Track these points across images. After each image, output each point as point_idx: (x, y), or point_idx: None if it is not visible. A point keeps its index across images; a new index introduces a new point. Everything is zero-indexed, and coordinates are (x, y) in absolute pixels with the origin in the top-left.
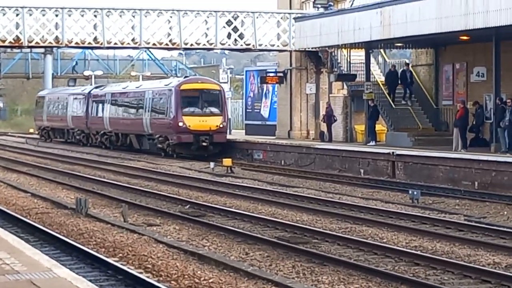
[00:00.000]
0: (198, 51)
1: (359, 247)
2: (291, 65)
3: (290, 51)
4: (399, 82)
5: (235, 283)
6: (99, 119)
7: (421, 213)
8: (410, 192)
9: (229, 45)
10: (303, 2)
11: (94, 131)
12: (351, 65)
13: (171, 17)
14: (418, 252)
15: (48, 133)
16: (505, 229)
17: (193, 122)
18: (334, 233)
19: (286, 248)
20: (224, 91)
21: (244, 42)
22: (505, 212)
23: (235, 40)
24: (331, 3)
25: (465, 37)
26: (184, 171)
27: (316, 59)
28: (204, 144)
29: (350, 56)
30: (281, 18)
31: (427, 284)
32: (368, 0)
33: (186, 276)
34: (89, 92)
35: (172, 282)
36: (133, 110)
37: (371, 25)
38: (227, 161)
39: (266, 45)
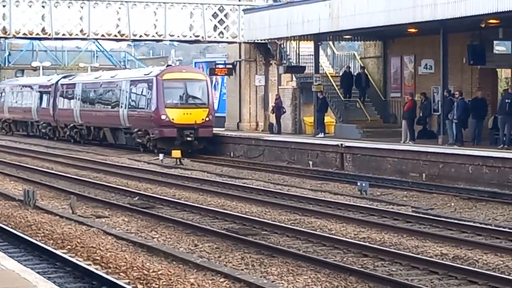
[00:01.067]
0: (147, 42)
1: (308, 239)
2: (240, 57)
3: (239, 43)
4: (354, 85)
5: (184, 274)
6: (68, 111)
7: (369, 205)
8: (358, 183)
9: (178, 36)
10: None
11: (62, 124)
12: (300, 57)
13: (120, 8)
14: (367, 244)
15: (10, 125)
16: (452, 221)
17: (177, 115)
18: (283, 224)
19: (235, 240)
20: (210, 81)
21: (193, 34)
22: (452, 204)
23: (184, 31)
24: None
25: (413, 30)
26: (133, 163)
27: (265, 51)
28: (189, 139)
29: (299, 48)
30: (230, 10)
31: (375, 275)
32: None
33: (135, 268)
34: (57, 82)
35: (121, 274)
36: (107, 102)
37: (320, 17)
38: (176, 153)
39: (215, 37)
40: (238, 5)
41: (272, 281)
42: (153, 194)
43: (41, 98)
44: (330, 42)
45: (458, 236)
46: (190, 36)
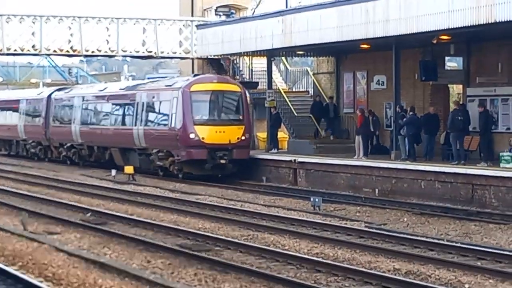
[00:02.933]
0: (99, 58)
1: (261, 255)
2: (193, 72)
3: (192, 59)
4: (322, 115)
5: None
6: (64, 128)
7: (323, 220)
8: (311, 199)
9: (130, 52)
10: (205, 9)
11: (56, 143)
12: (253, 72)
13: (72, 23)
14: (320, 259)
15: None
16: (404, 236)
17: (208, 133)
18: (236, 240)
19: (188, 256)
20: (246, 93)
21: (146, 49)
22: (405, 219)
23: (137, 47)
24: (233, 11)
25: (365, 46)
26: (86, 179)
27: (218, 67)
28: (222, 161)
29: (252, 63)
30: (183, 25)
31: None
32: (270, 8)
33: (87, 285)
34: (49, 96)
35: None
36: (117, 118)
37: (272, 33)
38: (128, 169)
39: (168, 52)
40: (191, 21)
41: None
42: (105, 210)
43: (29, 114)
44: (283, 58)
45: (410, 251)
46: (143, 52)
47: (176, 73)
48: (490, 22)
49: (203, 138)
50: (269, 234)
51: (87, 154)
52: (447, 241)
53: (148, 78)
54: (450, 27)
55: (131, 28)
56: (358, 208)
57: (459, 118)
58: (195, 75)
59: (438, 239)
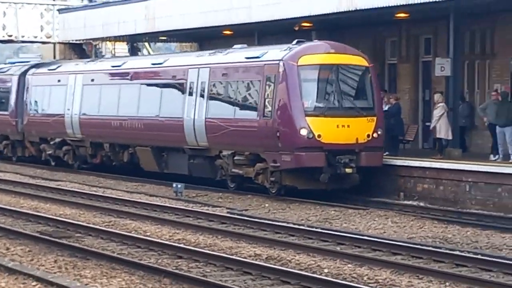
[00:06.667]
0: None
1: (123, 241)
2: (54, 57)
3: (54, 43)
4: None
5: None
6: (52, 118)
7: (185, 206)
8: (174, 185)
9: None
10: None
11: (35, 137)
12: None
13: None
14: (181, 245)
15: None
16: (266, 221)
17: (327, 129)
18: (97, 226)
19: (48, 243)
20: (375, 70)
21: (6, 33)
22: (267, 205)
23: None
24: None
25: (228, 32)
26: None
27: (80, 52)
28: (348, 170)
29: (115, 49)
30: (45, 9)
31: (190, 276)
32: None
33: None
34: (23, 74)
35: None
36: (151, 105)
37: (135, 18)
38: None
39: (29, 37)
40: (53, 5)
41: (86, 284)
42: None
43: None
44: (146, 44)
45: (271, 236)
46: (3, 36)
47: (37, 57)
48: (351, 9)
49: (319, 136)
50: (131, 220)
51: (90, 154)
52: (308, 226)
53: (9, 63)
54: (311, 14)
55: None
56: (220, 194)
57: None
58: (298, 41)
59: (299, 225)
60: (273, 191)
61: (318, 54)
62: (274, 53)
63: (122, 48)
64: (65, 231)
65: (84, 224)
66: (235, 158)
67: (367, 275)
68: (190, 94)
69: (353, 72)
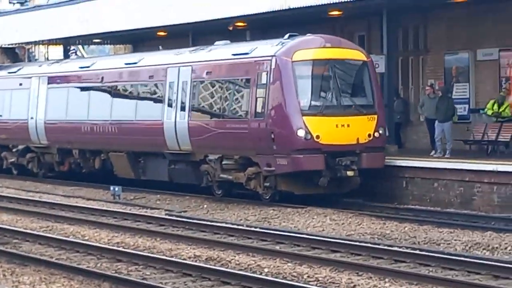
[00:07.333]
0: None
1: (61, 246)
2: None
3: None
4: None
5: None
6: (14, 125)
7: (123, 209)
8: (111, 188)
9: None
10: None
11: None
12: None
13: None
14: (120, 248)
15: None
16: (204, 222)
17: (326, 129)
18: (35, 232)
19: None
20: (373, 64)
21: None
22: (205, 206)
23: None
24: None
25: (162, 33)
26: None
27: (13, 56)
28: (349, 173)
29: (48, 52)
30: None
31: (129, 280)
32: None
33: None
34: None
35: None
36: (125, 107)
37: (68, 21)
38: None
39: None
40: None
41: None
42: None
43: None
44: (80, 46)
45: (211, 237)
46: None
47: None
48: (284, 8)
49: (317, 137)
50: (69, 224)
51: (57, 161)
52: (247, 226)
53: None
54: (245, 14)
55: None
56: (159, 196)
57: None
58: (291, 35)
59: (238, 225)
60: (267, 197)
61: (313, 48)
62: (265, 48)
63: (56, 51)
64: (2, 237)
65: (22, 230)
66: (223, 162)
67: (307, 273)
68: (170, 95)
69: (351, 67)
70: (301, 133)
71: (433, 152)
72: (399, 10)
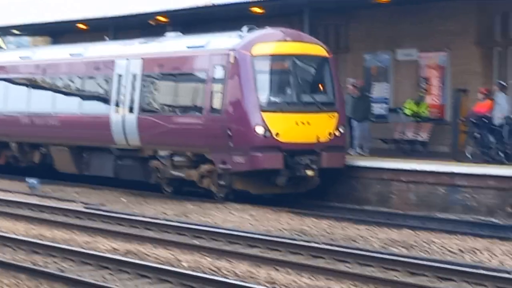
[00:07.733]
0: None
1: None
2: None
3: None
4: None
5: None
6: None
7: (40, 202)
8: (27, 180)
9: None
10: None
11: None
12: None
13: None
14: (37, 241)
15: None
16: (122, 216)
17: (285, 126)
18: None
19: None
20: (334, 60)
21: None
22: (123, 199)
23: None
24: None
25: (82, 26)
26: None
27: None
28: (309, 172)
29: None
30: None
31: (46, 272)
32: None
33: None
34: None
35: None
36: (70, 99)
37: None
38: None
39: None
40: None
41: None
42: None
43: None
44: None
45: (129, 231)
46: None
47: None
48: (208, 5)
49: (277, 135)
50: None
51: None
52: (165, 220)
53: None
54: (167, 9)
55: None
56: (77, 189)
57: None
58: (250, 28)
59: (156, 219)
60: (221, 195)
61: (274, 42)
62: (222, 41)
63: None
64: None
65: None
66: (175, 159)
67: (225, 267)
68: (118, 88)
69: (312, 63)
70: (259, 130)
71: (352, 150)
72: (320, 9)
